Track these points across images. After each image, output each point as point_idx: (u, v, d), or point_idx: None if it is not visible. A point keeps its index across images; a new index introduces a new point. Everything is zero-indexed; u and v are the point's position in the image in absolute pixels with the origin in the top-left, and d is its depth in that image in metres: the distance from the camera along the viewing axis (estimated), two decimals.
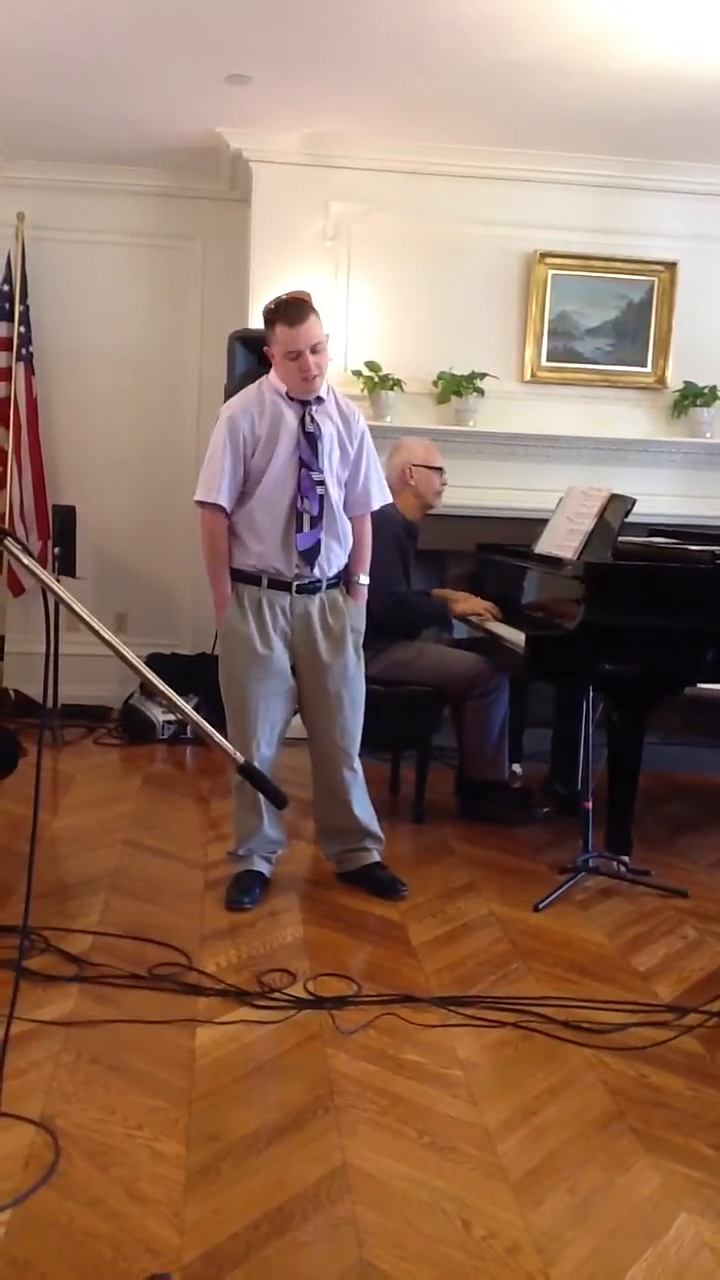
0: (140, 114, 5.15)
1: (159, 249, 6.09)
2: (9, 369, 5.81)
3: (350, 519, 3.55)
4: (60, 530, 5.49)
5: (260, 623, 3.43)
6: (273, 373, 3.44)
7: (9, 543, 2.11)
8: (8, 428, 5.82)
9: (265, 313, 3.38)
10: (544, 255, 5.56)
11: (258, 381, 3.50)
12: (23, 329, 5.82)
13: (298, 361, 3.31)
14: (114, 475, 6.16)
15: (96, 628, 2.07)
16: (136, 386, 6.14)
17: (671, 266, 5.61)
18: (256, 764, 3.42)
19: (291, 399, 3.40)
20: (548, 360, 5.64)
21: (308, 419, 3.40)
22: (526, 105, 4.84)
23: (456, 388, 5.46)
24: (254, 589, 3.45)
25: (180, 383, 6.17)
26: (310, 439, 3.39)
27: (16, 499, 5.86)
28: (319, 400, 3.43)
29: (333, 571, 3.51)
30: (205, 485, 3.42)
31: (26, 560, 2.11)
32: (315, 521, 3.41)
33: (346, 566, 3.57)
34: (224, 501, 3.40)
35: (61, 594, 2.10)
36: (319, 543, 3.43)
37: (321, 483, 3.41)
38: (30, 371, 5.86)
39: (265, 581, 3.44)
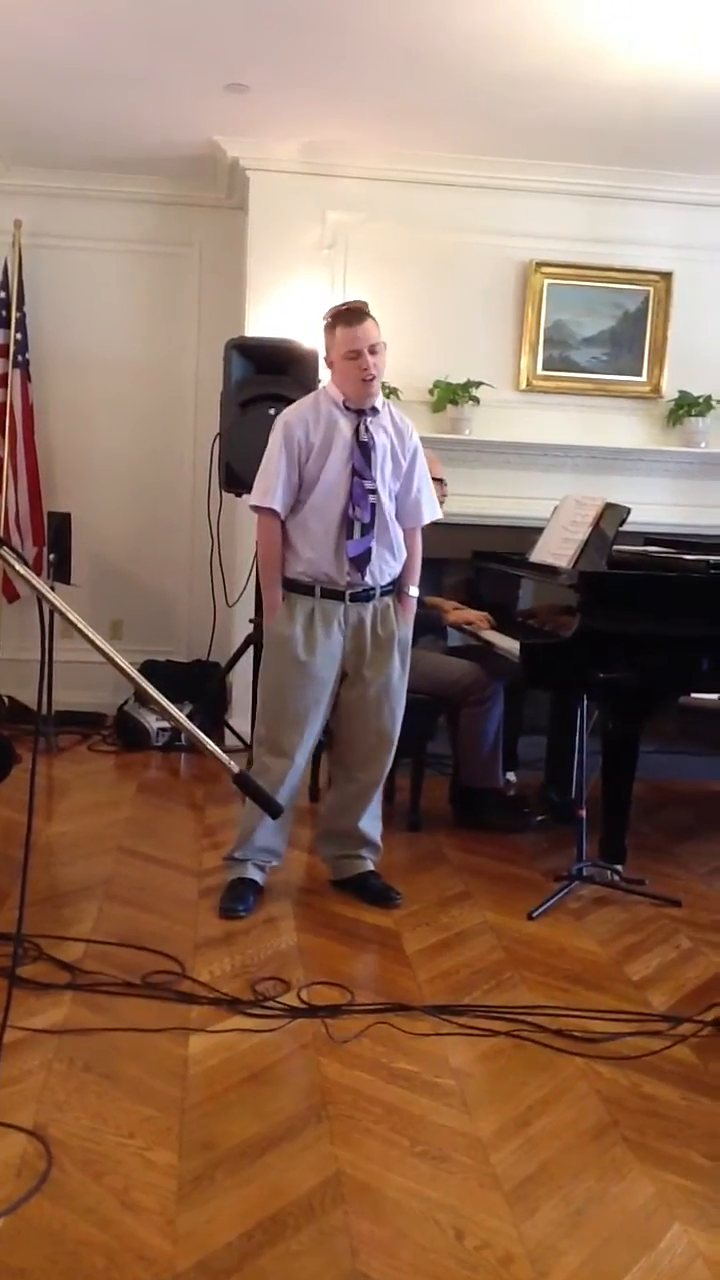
0: (138, 122, 5.15)
1: (156, 256, 6.09)
2: (5, 375, 5.81)
3: (403, 531, 3.57)
4: (55, 537, 5.49)
5: (309, 630, 3.44)
6: (330, 382, 3.48)
7: (3, 550, 2.10)
8: (3, 435, 5.81)
9: (325, 320, 3.45)
10: (540, 264, 5.58)
11: (315, 391, 3.56)
12: (19, 336, 5.82)
13: (357, 361, 3.34)
14: (110, 482, 6.16)
15: (90, 635, 2.06)
16: (133, 393, 6.15)
17: (667, 276, 5.62)
18: (292, 773, 3.46)
19: (348, 409, 3.42)
20: (543, 369, 5.65)
21: (362, 429, 3.42)
22: (523, 115, 4.85)
23: (452, 396, 5.47)
24: (307, 599, 3.46)
25: (177, 390, 6.17)
26: (364, 448, 3.41)
27: (12, 506, 5.86)
28: (374, 411, 3.46)
29: (385, 580, 3.53)
30: (260, 490, 3.45)
31: (20, 568, 2.11)
32: (366, 529, 3.42)
33: (399, 577, 3.59)
34: (279, 506, 3.42)
35: (56, 602, 2.09)
36: (370, 550, 3.44)
37: (374, 491, 3.42)
38: (26, 378, 5.87)
39: (319, 591, 3.45)
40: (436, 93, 4.65)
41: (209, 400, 5.51)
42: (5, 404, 5.81)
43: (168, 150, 5.51)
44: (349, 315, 3.39)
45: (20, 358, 5.83)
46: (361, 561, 3.43)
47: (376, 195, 5.47)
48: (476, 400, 5.50)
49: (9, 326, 5.79)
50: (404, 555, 3.58)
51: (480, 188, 5.48)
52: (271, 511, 3.43)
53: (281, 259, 5.48)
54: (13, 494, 5.86)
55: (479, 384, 5.47)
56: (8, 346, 5.80)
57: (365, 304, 3.45)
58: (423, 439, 5.14)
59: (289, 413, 3.50)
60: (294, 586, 3.48)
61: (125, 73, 4.58)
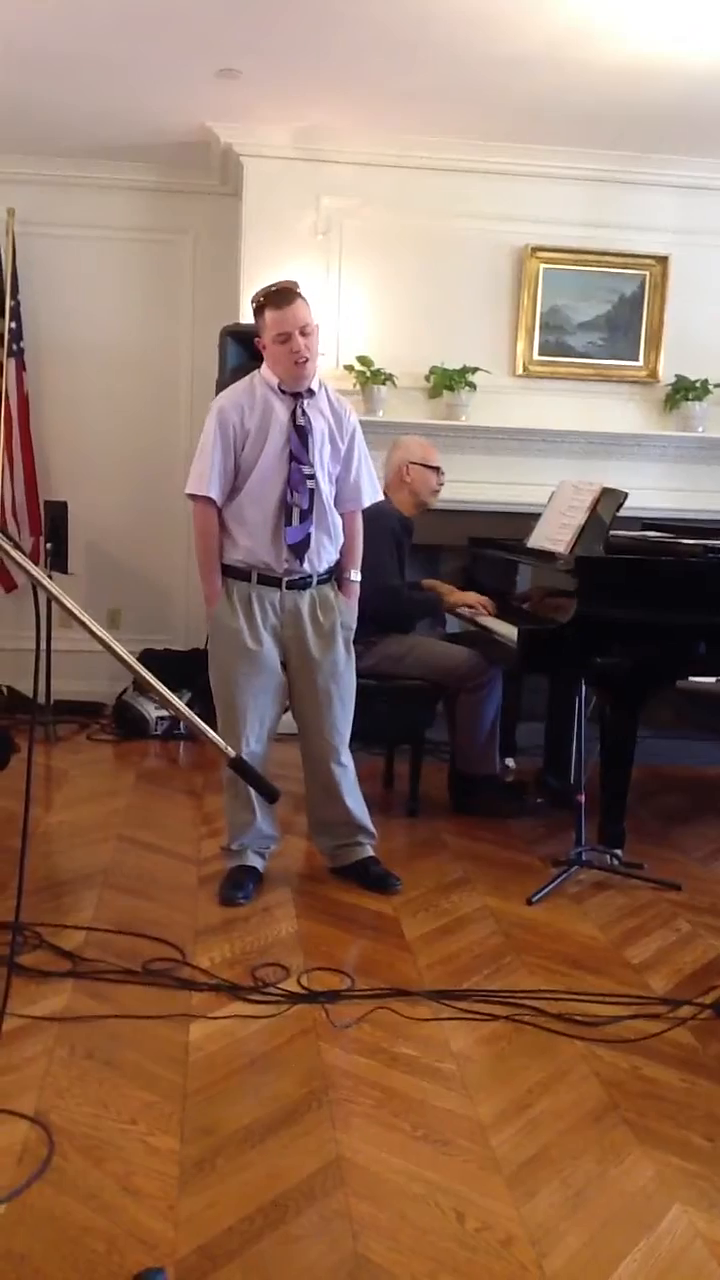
0: (130, 109, 5.13)
1: (150, 244, 6.07)
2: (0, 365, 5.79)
3: (341, 515, 3.54)
4: (52, 526, 5.49)
5: (250, 618, 3.43)
6: (264, 366, 3.44)
7: (0, 539, 2.10)
8: None
9: (253, 303, 3.39)
10: (535, 249, 5.56)
11: (249, 375, 3.49)
12: (13, 324, 5.80)
13: (288, 344, 3.30)
14: (106, 471, 6.15)
15: (88, 624, 2.06)
16: (128, 381, 6.13)
17: (663, 260, 5.61)
18: (247, 760, 3.43)
19: (283, 392, 3.39)
20: (539, 354, 5.64)
21: (299, 412, 3.39)
22: (517, 99, 4.83)
23: (448, 382, 5.46)
24: (244, 585, 3.44)
25: (171, 377, 6.16)
26: (301, 432, 3.38)
27: (8, 495, 5.85)
28: (310, 394, 3.42)
29: (323, 567, 3.51)
30: (195, 478, 3.42)
31: (17, 556, 2.11)
32: (305, 515, 3.40)
33: (338, 563, 3.57)
34: (214, 494, 3.39)
35: (53, 590, 2.09)
36: (308, 537, 3.42)
37: (312, 477, 3.39)
38: (21, 367, 5.85)
39: (255, 577, 3.43)
40: (430, 77, 4.63)
41: (204, 387, 5.50)
42: (1, 393, 5.79)
43: (160, 137, 5.49)
44: (278, 297, 3.32)
45: (15, 346, 5.82)
46: (300, 548, 3.41)
47: (371, 181, 5.45)
48: (473, 386, 5.49)
49: (3, 316, 5.77)
50: (342, 540, 3.55)
51: (475, 172, 5.46)
52: (207, 499, 3.40)
53: (276, 245, 5.46)
54: (9, 483, 5.85)
55: (475, 370, 5.46)
56: (2, 335, 5.78)
57: (295, 284, 3.38)
58: (420, 425, 5.20)
59: (223, 398, 3.46)
60: (231, 572, 3.45)
61: (117, 59, 4.56)
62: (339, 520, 3.53)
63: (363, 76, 4.68)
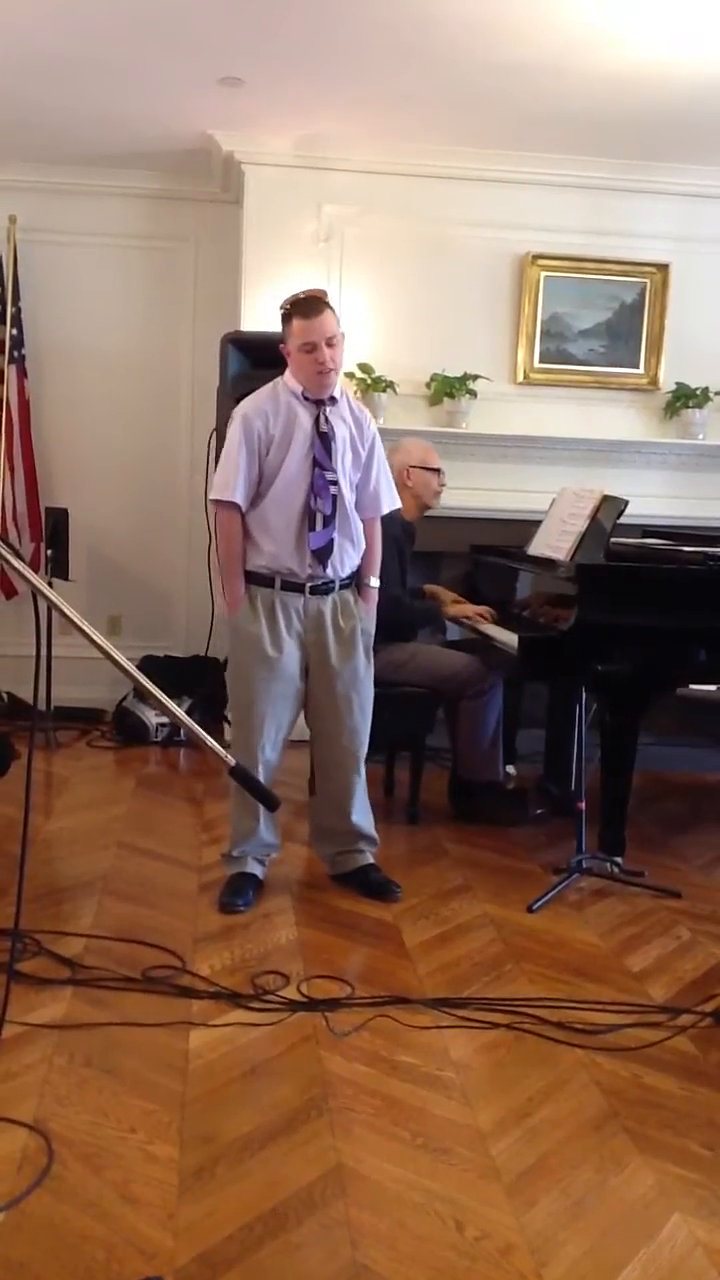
0: (132, 116, 5.14)
1: (151, 251, 6.08)
2: (1, 371, 5.80)
3: (361, 521, 3.56)
4: (53, 533, 5.49)
5: (272, 625, 3.44)
6: (288, 373, 3.46)
7: (0, 546, 2.10)
8: (0, 430, 5.80)
9: (282, 309, 3.42)
10: (536, 257, 5.57)
11: (273, 382, 3.51)
12: (15, 331, 5.81)
13: (313, 354, 3.32)
14: (106, 477, 6.15)
15: (88, 631, 2.06)
16: (129, 388, 6.14)
17: (663, 268, 5.62)
18: (261, 768, 3.44)
19: (306, 399, 3.41)
20: (540, 362, 5.64)
21: (322, 419, 3.41)
22: (518, 107, 4.84)
23: (449, 389, 5.46)
24: (267, 591, 3.45)
25: (173, 385, 6.16)
26: (324, 439, 3.40)
27: (9, 502, 5.85)
28: (333, 401, 3.44)
29: (345, 572, 3.52)
30: (220, 484, 3.44)
31: (18, 564, 2.11)
32: (328, 521, 3.41)
33: (359, 569, 3.58)
34: (239, 499, 3.41)
35: (53, 598, 2.09)
36: (332, 542, 3.43)
37: (335, 483, 3.41)
38: (22, 374, 5.86)
39: (279, 583, 3.44)
40: (432, 85, 4.64)
41: (205, 394, 5.51)
42: (2, 400, 5.80)
43: (162, 145, 5.50)
44: (306, 306, 3.35)
45: (16, 353, 5.82)
46: (324, 554, 3.42)
47: (372, 188, 5.46)
48: (473, 393, 5.49)
49: (4, 322, 5.78)
50: (363, 546, 3.56)
51: (476, 180, 5.47)
52: (232, 505, 3.42)
53: (277, 252, 5.47)
54: (9, 490, 5.85)
55: (476, 377, 5.47)
56: (3, 342, 5.78)
57: (324, 293, 3.42)
58: (420, 432, 5.19)
59: (247, 404, 3.47)
60: (254, 579, 3.46)
61: (119, 67, 4.57)
62: (361, 526, 3.54)
63: (364, 84, 4.69)
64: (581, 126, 5.03)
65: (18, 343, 5.83)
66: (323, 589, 3.47)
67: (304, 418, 3.40)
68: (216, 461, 4.85)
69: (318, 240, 5.50)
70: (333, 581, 3.48)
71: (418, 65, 4.45)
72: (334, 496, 3.41)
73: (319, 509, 3.39)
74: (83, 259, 6.01)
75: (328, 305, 3.37)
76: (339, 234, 5.51)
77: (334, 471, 3.41)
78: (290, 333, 3.37)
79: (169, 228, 6.05)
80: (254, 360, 4.83)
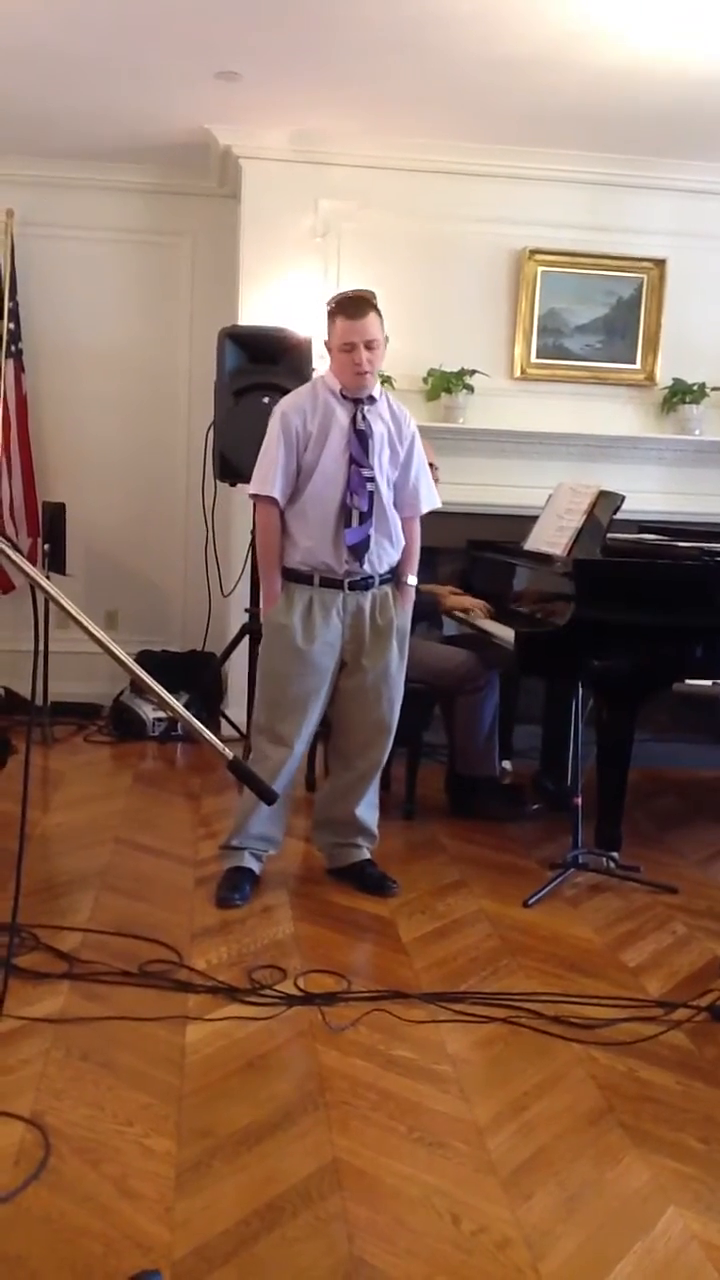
0: (129, 110, 5.13)
1: (148, 245, 6.07)
2: None
3: (401, 520, 3.56)
4: (50, 527, 5.48)
5: (307, 620, 3.44)
6: (327, 370, 3.48)
7: None
8: None
9: (328, 306, 3.44)
10: (534, 252, 5.56)
11: (313, 379, 3.56)
12: (12, 326, 5.80)
13: (351, 355, 3.35)
14: (104, 472, 6.15)
15: (87, 625, 2.06)
16: (126, 383, 6.13)
17: (661, 264, 5.61)
18: (290, 761, 3.46)
19: (345, 397, 3.43)
20: (537, 357, 5.64)
21: (359, 417, 3.42)
22: (516, 102, 4.83)
23: (446, 385, 5.46)
24: (305, 588, 3.46)
25: (170, 379, 6.15)
26: (361, 437, 3.41)
27: (6, 496, 5.85)
28: (371, 400, 3.46)
29: (384, 568, 3.53)
30: (259, 479, 3.45)
31: (15, 557, 2.11)
32: (364, 518, 3.42)
33: (398, 566, 3.59)
34: (277, 494, 3.42)
35: (51, 591, 2.09)
36: (368, 538, 3.44)
37: (371, 479, 3.42)
38: (20, 368, 5.85)
39: (317, 580, 3.45)
40: (428, 79, 4.64)
41: (202, 389, 5.50)
42: None
43: (159, 139, 5.49)
44: (352, 306, 3.37)
45: (13, 347, 5.81)
46: (360, 550, 3.43)
47: (369, 183, 5.45)
48: (470, 389, 5.49)
49: (1, 317, 5.77)
50: (402, 544, 3.58)
51: (473, 175, 5.46)
52: (270, 500, 3.43)
53: (274, 247, 5.46)
54: (7, 484, 5.85)
55: (473, 372, 5.46)
56: (0, 337, 5.78)
57: (372, 294, 3.45)
58: (418, 428, 5.18)
59: (286, 402, 3.50)
60: (292, 575, 3.48)
61: (116, 61, 4.56)
62: (399, 523, 3.54)
63: (361, 79, 4.68)
64: (579, 122, 5.03)
65: (15, 337, 5.82)
66: (361, 584, 3.48)
67: (341, 415, 3.42)
68: (214, 456, 4.89)
69: (315, 235, 5.50)
70: (371, 577, 3.49)
71: (415, 60, 4.44)
72: (371, 493, 3.43)
73: (355, 505, 3.41)
74: (80, 253, 5.99)
75: (374, 308, 3.39)
76: (336, 229, 5.50)
77: (370, 469, 3.42)
78: (333, 331, 3.40)
79: (166, 222, 6.04)
80: (251, 355, 4.83)
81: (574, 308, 5.64)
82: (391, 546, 3.53)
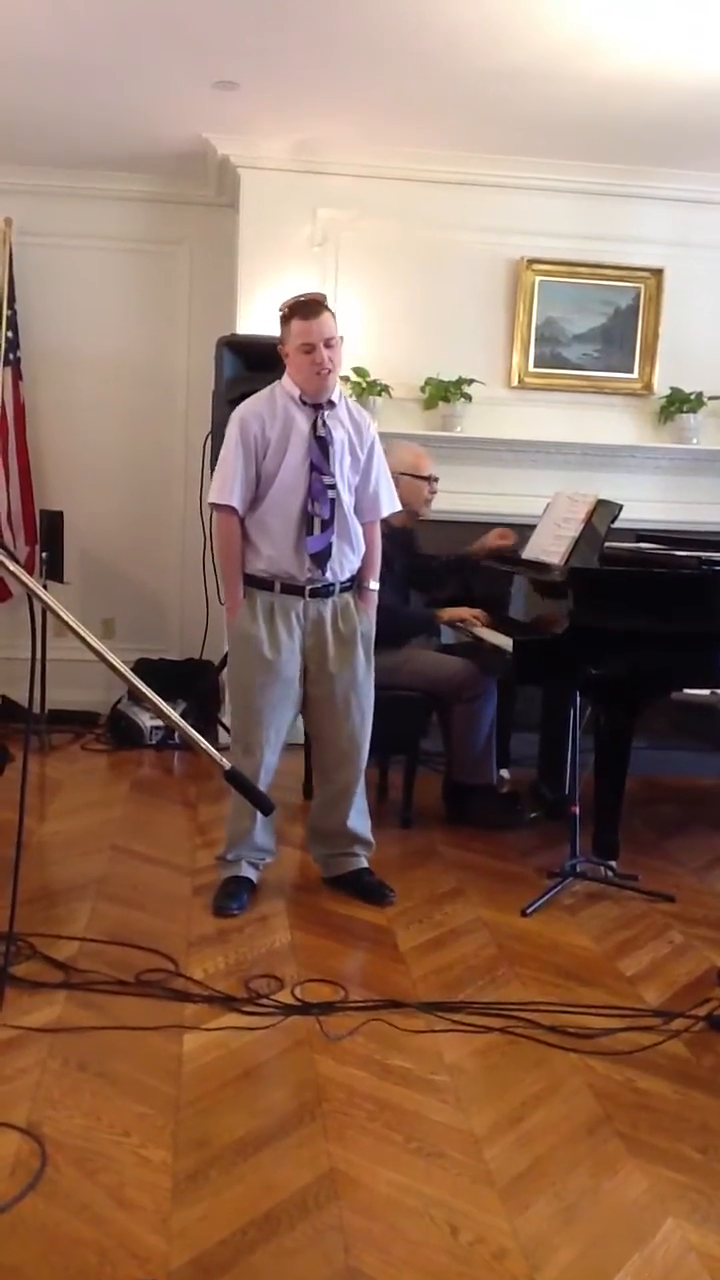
0: (128, 119, 5.15)
1: (146, 254, 6.08)
2: None
3: (361, 525, 3.56)
4: (48, 535, 5.48)
5: (271, 628, 3.44)
6: (286, 376, 3.46)
7: None
8: None
9: (280, 311, 3.42)
10: (531, 262, 5.58)
11: (271, 385, 3.52)
12: (10, 334, 5.81)
13: (311, 355, 3.33)
14: (102, 480, 6.15)
15: (82, 634, 2.06)
16: (124, 391, 6.14)
17: (658, 273, 5.63)
18: (262, 771, 3.45)
19: (304, 403, 3.41)
20: (535, 366, 5.66)
21: (319, 423, 3.41)
22: (514, 112, 4.85)
23: (444, 393, 5.47)
24: (267, 594, 3.46)
25: (168, 388, 6.16)
26: (321, 443, 3.40)
27: (4, 504, 5.85)
28: (330, 405, 3.45)
29: (345, 575, 3.52)
30: (218, 487, 3.44)
31: (12, 566, 2.11)
32: (326, 525, 3.41)
33: (359, 572, 3.58)
34: (236, 503, 3.41)
35: (48, 600, 2.09)
36: (330, 546, 3.43)
37: (333, 486, 3.41)
38: (18, 376, 5.86)
39: (278, 586, 3.45)
40: (426, 89, 4.65)
41: (200, 398, 5.51)
42: None
43: (157, 148, 5.50)
44: (305, 307, 3.35)
45: (11, 356, 5.82)
46: (322, 558, 3.42)
47: (367, 192, 5.46)
48: (468, 397, 5.50)
49: (0, 325, 5.78)
50: (363, 549, 3.57)
51: (471, 185, 5.48)
52: (230, 508, 3.42)
53: (272, 256, 5.47)
54: (4, 492, 5.85)
55: (470, 381, 5.48)
56: None
57: (323, 296, 3.43)
58: (415, 436, 5.20)
59: (244, 408, 3.47)
60: (254, 582, 3.47)
61: (114, 70, 4.58)
62: (360, 530, 3.54)
63: (360, 89, 4.70)
64: (577, 132, 5.05)
65: (13, 345, 5.83)
66: (322, 592, 3.48)
67: (301, 422, 3.40)
68: (212, 465, 4.88)
69: (313, 244, 5.51)
70: (332, 585, 3.49)
71: (413, 70, 4.46)
72: (332, 500, 3.41)
73: (317, 513, 3.40)
74: (78, 262, 6.01)
75: (326, 308, 3.38)
76: (334, 238, 5.52)
77: (331, 475, 3.41)
78: (289, 334, 3.37)
79: (164, 231, 6.06)
80: (249, 363, 4.83)
81: (571, 317, 5.65)
82: (353, 553, 3.52)
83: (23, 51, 4.41)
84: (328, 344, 3.33)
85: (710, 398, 5.60)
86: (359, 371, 5.39)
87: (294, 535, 3.40)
